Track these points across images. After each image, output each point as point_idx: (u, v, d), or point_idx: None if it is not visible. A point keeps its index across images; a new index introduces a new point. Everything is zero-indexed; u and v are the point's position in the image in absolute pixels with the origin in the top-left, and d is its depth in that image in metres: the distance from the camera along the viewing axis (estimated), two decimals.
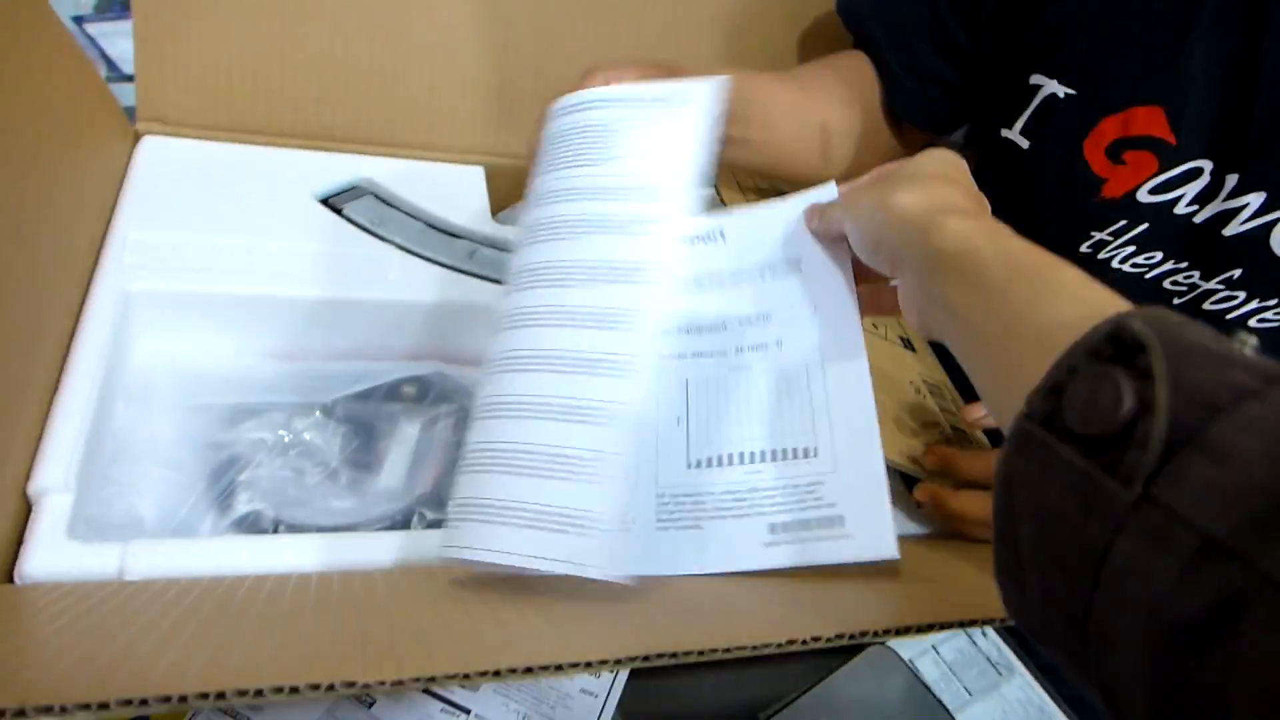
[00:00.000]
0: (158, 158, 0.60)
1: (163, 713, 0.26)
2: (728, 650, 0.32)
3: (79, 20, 0.96)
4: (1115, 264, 0.57)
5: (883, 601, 0.42)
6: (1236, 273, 0.53)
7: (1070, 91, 0.54)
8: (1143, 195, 0.53)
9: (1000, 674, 0.62)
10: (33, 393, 0.44)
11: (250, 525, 0.46)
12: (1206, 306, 0.55)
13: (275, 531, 0.46)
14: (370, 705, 0.49)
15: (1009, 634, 0.63)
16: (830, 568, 0.40)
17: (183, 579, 0.39)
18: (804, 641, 0.33)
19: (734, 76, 0.46)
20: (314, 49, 0.63)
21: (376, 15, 0.63)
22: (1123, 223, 0.55)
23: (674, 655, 0.32)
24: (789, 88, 0.58)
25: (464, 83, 0.67)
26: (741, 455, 0.42)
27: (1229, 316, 0.54)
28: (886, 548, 0.39)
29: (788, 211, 0.45)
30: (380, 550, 0.43)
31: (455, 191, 0.66)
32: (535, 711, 0.51)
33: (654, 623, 0.38)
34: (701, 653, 0.32)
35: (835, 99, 0.61)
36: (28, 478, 0.41)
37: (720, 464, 0.42)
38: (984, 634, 0.63)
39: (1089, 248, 0.57)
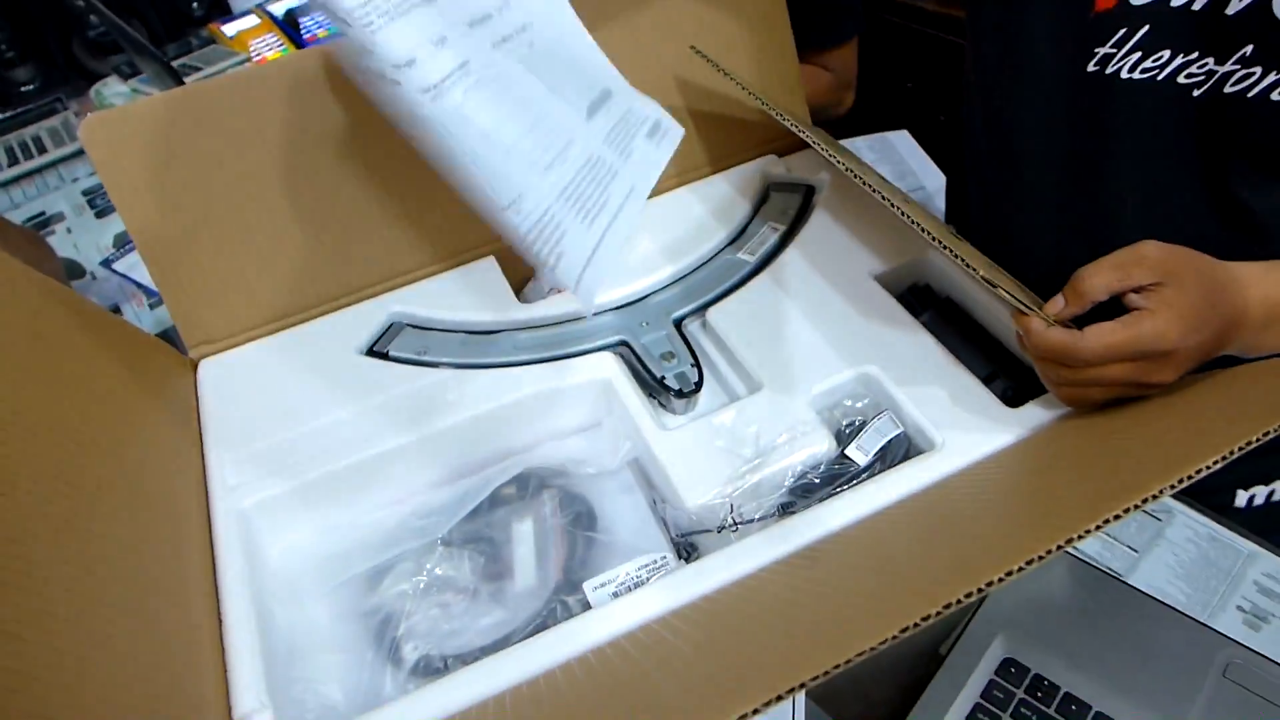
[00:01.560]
0: (218, 376, 0.65)
1: None
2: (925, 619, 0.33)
3: (107, 263, 1.04)
4: (1125, 74, 0.57)
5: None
6: (1249, 49, 0.53)
7: None
8: None
9: (1160, 520, 0.62)
10: (204, 633, 0.49)
11: (424, 670, 0.50)
12: (1227, 90, 0.54)
13: (447, 668, 0.50)
14: None
15: None
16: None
17: None
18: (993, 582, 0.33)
19: None
20: (306, 219, 0.67)
21: (346, 166, 0.66)
22: (1122, 31, 0.56)
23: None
24: None
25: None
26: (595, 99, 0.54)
27: (1250, 95, 0.53)
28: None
29: None
30: (542, 651, 0.46)
31: (478, 289, 0.69)
32: None
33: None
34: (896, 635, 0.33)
35: None
36: (229, 708, 0.47)
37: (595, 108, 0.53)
38: None
39: (1095, 66, 0.57)
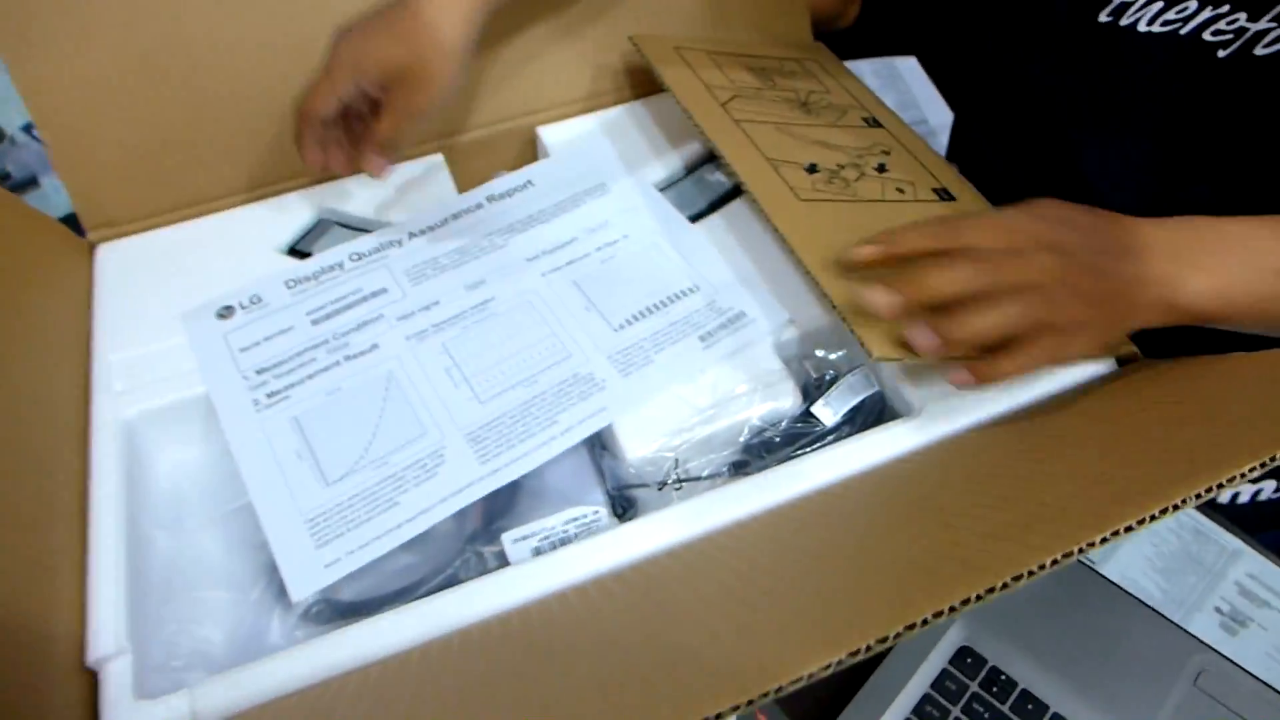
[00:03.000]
0: (117, 265, 0.57)
1: None
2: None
3: (29, 128, 0.94)
4: (1143, 27, 0.49)
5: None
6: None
7: None
8: None
9: None
10: (62, 554, 0.43)
11: (316, 616, 0.45)
12: (1258, 52, 0.47)
13: (340, 616, 0.44)
14: None
15: None
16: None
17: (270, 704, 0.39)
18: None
19: None
20: (229, 96, 0.58)
21: (277, 36, 0.58)
22: None
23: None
24: None
25: None
26: (648, 308, 0.53)
27: (1195, 48, 0.47)
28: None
29: (574, 157, 0.62)
30: (448, 609, 0.41)
31: (420, 187, 0.62)
32: None
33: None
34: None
35: None
36: (83, 649, 0.41)
37: (638, 318, 0.52)
38: None
39: (1109, 15, 0.50)
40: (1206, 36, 0.48)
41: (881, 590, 0.29)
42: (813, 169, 0.56)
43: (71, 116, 0.55)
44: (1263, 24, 0.46)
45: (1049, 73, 0.57)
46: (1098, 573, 0.53)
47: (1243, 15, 0.46)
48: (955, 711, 0.47)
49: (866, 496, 0.41)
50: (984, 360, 0.42)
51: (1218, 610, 0.52)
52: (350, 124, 0.56)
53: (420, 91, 0.51)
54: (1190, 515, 0.56)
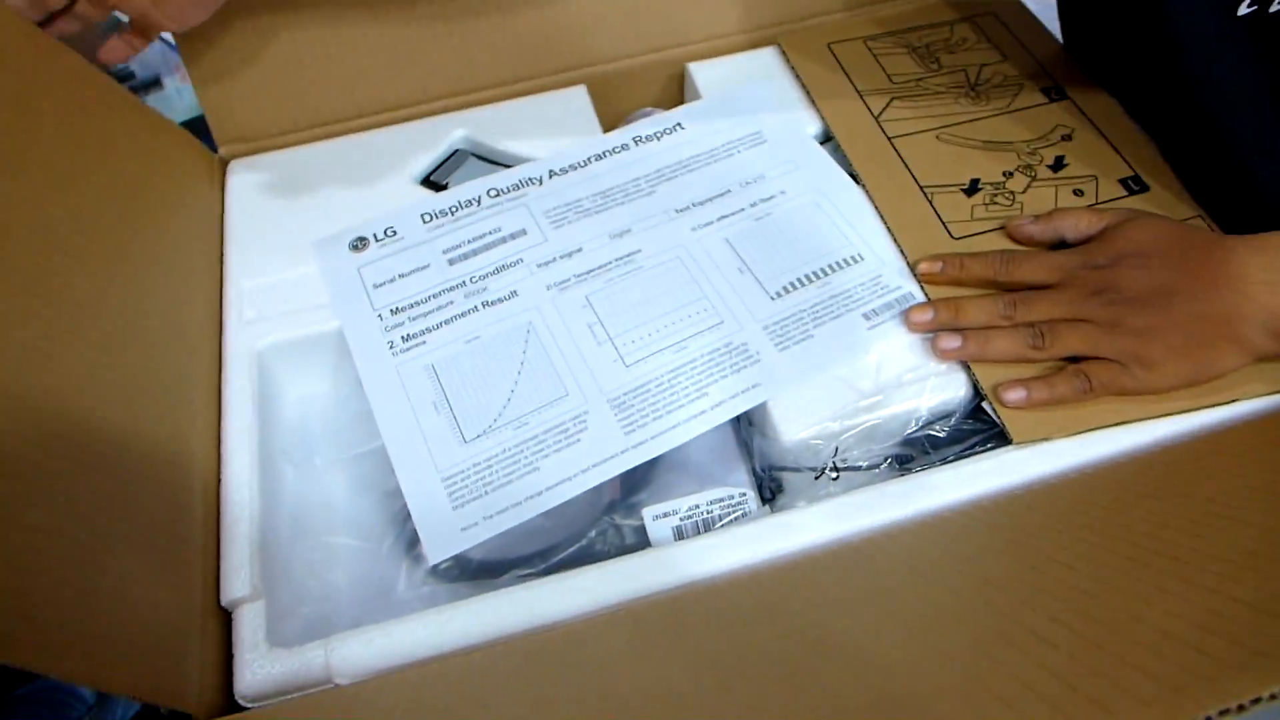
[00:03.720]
0: (249, 184, 0.56)
1: None
2: None
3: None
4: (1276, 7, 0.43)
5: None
6: None
7: None
8: None
9: None
10: (197, 496, 0.42)
11: (444, 574, 0.43)
12: None
13: (469, 576, 0.43)
14: None
15: None
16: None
17: (402, 670, 0.37)
18: None
19: None
20: (366, 12, 0.55)
21: None
22: None
23: None
24: None
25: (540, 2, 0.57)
26: (809, 275, 0.48)
27: None
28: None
29: (728, 101, 0.58)
30: (583, 590, 0.39)
31: (561, 120, 0.58)
32: None
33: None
34: None
35: None
36: (218, 588, 0.40)
37: (797, 286, 0.48)
38: None
39: (1249, 6, 0.43)
40: None
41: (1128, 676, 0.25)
42: (974, 188, 0.50)
43: (208, 27, 0.53)
44: None
45: (1196, 67, 0.50)
46: None
47: None
48: None
49: (1061, 515, 0.37)
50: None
51: None
52: None
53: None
54: None
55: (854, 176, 0.53)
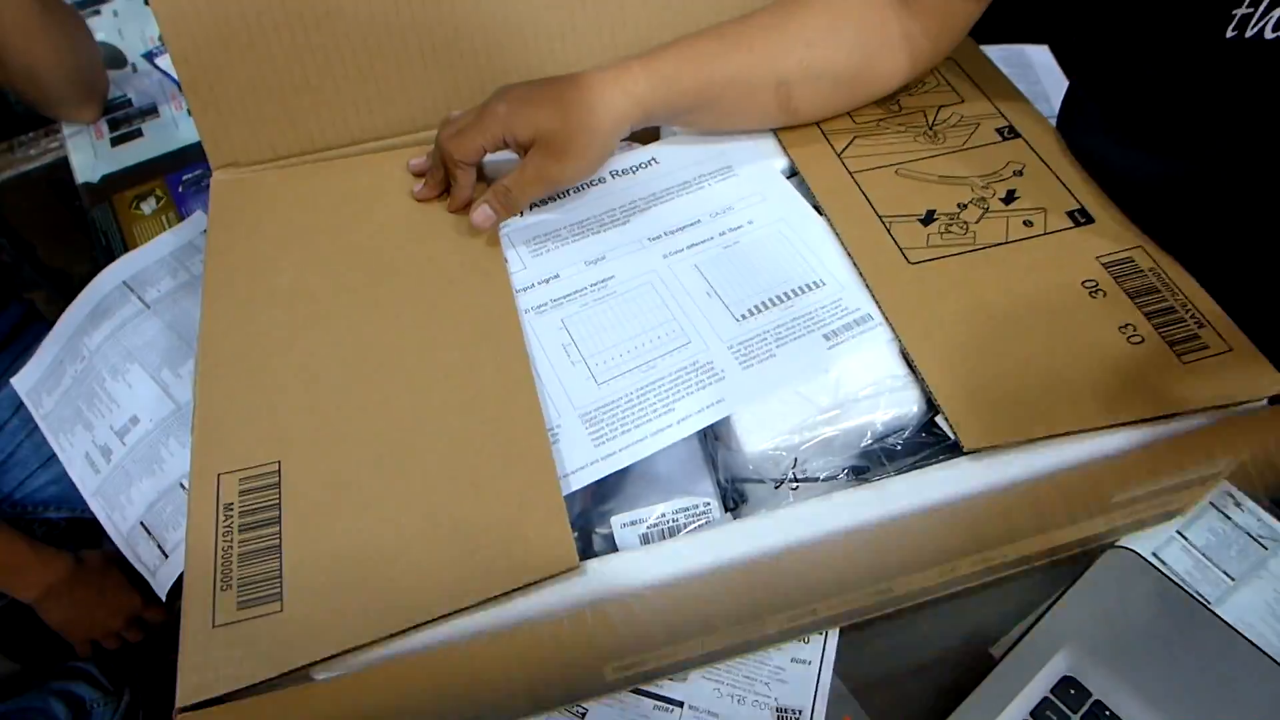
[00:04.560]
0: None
1: None
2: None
3: (150, 56, 0.96)
4: (1269, 34, 0.46)
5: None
6: None
7: None
8: None
9: (1266, 548, 0.55)
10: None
11: None
12: None
13: None
14: (583, 716, 0.48)
15: (1274, 505, 0.55)
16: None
17: None
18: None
19: (664, 62, 0.54)
20: (361, 42, 0.58)
21: None
22: None
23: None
24: (730, 55, 0.55)
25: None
26: (773, 299, 0.51)
27: None
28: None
29: (700, 137, 0.61)
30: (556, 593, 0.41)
31: None
32: (749, 691, 0.49)
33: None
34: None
35: (802, 40, 0.56)
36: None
37: (762, 309, 0.51)
38: (1239, 507, 0.55)
39: (1234, 30, 0.47)
40: None
41: None
42: (929, 218, 0.54)
43: (208, 53, 0.56)
44: None
45: (1179, 86, 0.53)
46: (1215, 613, 0.51)
47: None
48: None
49: (996, 518, 0.39)
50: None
51: None
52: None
53: (558, 163, 0.53)
54: None
55: (817, 208, 0.56)
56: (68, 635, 0.84)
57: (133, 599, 0.85)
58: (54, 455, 0.85)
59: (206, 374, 0.48)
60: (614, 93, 0.52)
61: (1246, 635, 0.50)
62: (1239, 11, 0.47)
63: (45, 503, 0.86)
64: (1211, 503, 0.55)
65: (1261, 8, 0.46)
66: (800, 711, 0.48)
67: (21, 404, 0.84)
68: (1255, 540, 0.55)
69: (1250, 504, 0.55)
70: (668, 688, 0.49)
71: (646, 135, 0.67)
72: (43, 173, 0.90)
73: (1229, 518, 0.55)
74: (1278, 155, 0.51)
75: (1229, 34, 0.48)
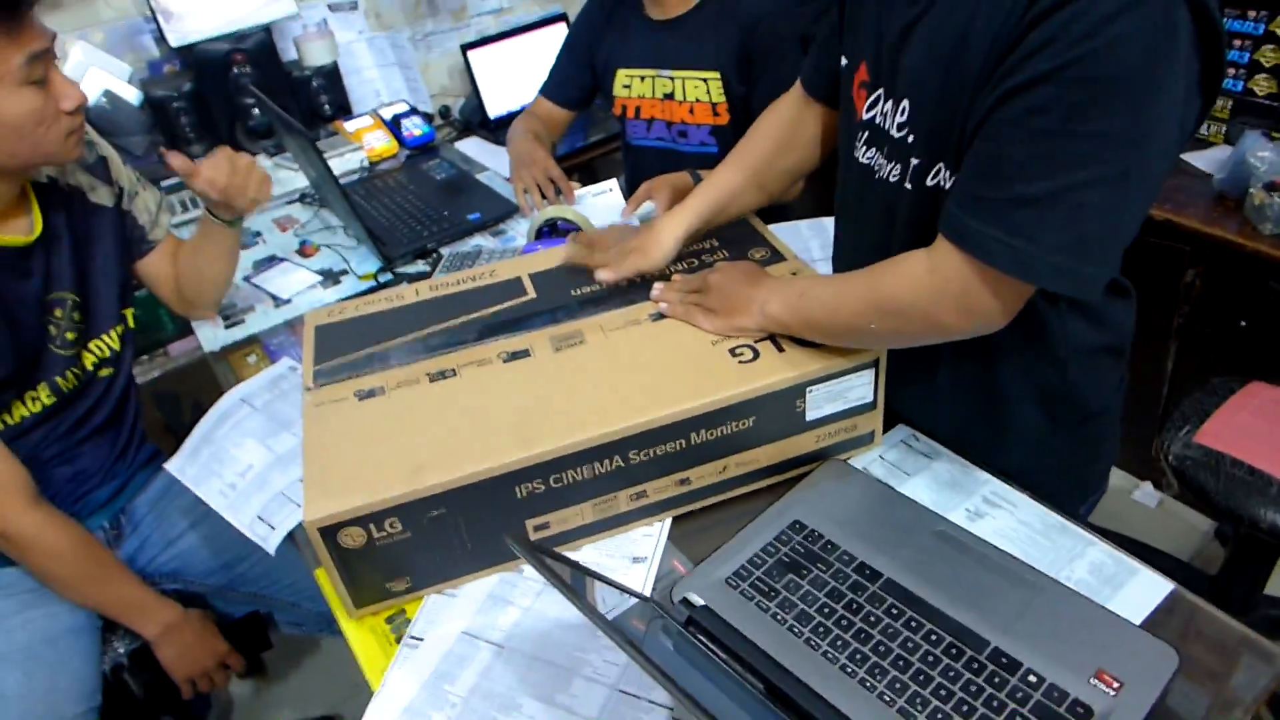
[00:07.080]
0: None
1: None
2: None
3: (247, 279, 1.41)
4: (862, 160, 0.86)
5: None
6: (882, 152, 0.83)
7: (846, 61, 0.87)
8: (864, 114, 0.84)
9: (929, 458, 0.90)
10: None
11: None
12: (928, 183, 0.81)
13: None
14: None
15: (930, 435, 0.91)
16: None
17: None
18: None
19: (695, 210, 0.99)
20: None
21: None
22: (865, 134, 0.85)
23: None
24: (739, 184, 1.01)
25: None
26: None
27: (894, 179, 0.82)
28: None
29: None
30: None
31: None
32: (616, 551, 0.84)
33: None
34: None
35: (767, 148, 1.02)
36: None
37: None
38: (916, 439, 0.91)
39: (859, 153, 0.87)
40: (876, 171, 0.84)
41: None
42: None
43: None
44: (891, 164, 0.81)
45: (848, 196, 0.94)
46: (892, 489, 0.85)
47: (880, 156, 0.83)
48: (786, 549, 0.80)
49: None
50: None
51: (966, 509, 0.84)
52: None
53: (643, 259, 0.96)
54: (953, 459, 0.89)
55: None
56: (174, 671, 1.15)
57: (222, 646, 1.18)
58: (174, 540, 1.22)
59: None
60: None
61: (911, 498, 0.85)
62: (860, 145, 0.86)
63: (165, 575, 1.21)
64: (902, 440, 0.92)
65: (861, 143, 0.86)
66: (645, 558, 0.82)
67: (158, 502, 1.23)
68: (923, 456, 0.90)
69: (923, 437, 0.92)
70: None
71: None
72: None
73: (910, 446, 0.91)
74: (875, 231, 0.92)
75: (857, 155, 0.86)
